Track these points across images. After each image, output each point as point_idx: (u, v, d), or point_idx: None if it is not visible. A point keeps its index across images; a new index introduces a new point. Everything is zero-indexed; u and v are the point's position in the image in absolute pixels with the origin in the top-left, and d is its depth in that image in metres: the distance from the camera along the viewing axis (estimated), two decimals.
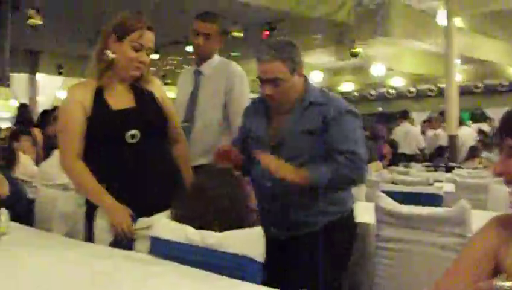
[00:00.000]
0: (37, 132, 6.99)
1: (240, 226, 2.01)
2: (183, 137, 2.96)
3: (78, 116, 2.58)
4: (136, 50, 2.59)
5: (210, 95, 3.50)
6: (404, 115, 11.22)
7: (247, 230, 1.94)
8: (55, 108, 9.62)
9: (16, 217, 2.82)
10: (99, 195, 2.54)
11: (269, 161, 2.49)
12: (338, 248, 2.67)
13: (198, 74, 3.59)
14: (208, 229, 2.02)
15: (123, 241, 2.45)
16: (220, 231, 1.97)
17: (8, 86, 14.33)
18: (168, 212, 2.24)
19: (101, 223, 2.54)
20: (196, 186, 2.21)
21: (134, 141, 2.57)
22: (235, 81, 3.48)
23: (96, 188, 2.55)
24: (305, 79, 2.67)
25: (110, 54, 2.60)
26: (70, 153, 2.59)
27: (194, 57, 3.66)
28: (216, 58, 3.59)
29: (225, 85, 3.46)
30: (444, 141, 10.63)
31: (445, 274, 1.51)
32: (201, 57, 3.58)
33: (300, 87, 2.63)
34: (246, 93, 3.52)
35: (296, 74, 2.57)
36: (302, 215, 2.64)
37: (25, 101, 14.55)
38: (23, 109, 8.08)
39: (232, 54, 10.95)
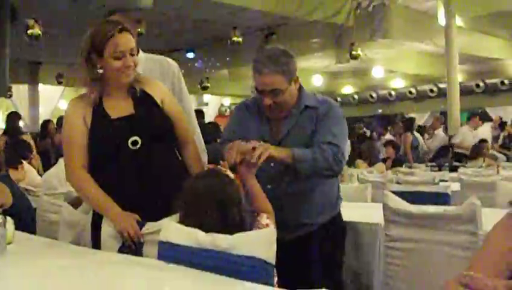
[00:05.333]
0: (29, 139, 7.54)
1: (243, 228, 1.98)
2: (192, 137, 2.90)
3: (80, 128, 2.60)
4: (119, 58, 2.54)
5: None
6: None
7: (258, 232, 1.92)
8: (60, 118, 9.93)
9: (19, 227, 2.79)
10: (105, 204, 2.54)
11: (260, 147, 2.52)
12: (332, 245, 2.90)
13: None
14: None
15: (131, 246, 2.43)
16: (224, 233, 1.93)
17: (9, 96, 14.38)
18: (175, 216, 2.21)
19: (108, 231, 2.51)
20: (198, 190, 2.14)
21: (136, 147, 2.55)
22: (180, 78, 3.18)
23: (101, 197, 2.54)
24: (300, 86, 2.83)
25: (98, 70, 2.57)
26: (74, 165, 2.61)
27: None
28: (142, 54, 2.99)
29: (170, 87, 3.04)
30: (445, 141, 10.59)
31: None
32: None
33: (296, 93, 2.81)
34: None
35: (292, 82, 2.74)
36: (301, 217, 2.81)
37: (26, 112, 14.55)
38: (11, 117, 8.27)
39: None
